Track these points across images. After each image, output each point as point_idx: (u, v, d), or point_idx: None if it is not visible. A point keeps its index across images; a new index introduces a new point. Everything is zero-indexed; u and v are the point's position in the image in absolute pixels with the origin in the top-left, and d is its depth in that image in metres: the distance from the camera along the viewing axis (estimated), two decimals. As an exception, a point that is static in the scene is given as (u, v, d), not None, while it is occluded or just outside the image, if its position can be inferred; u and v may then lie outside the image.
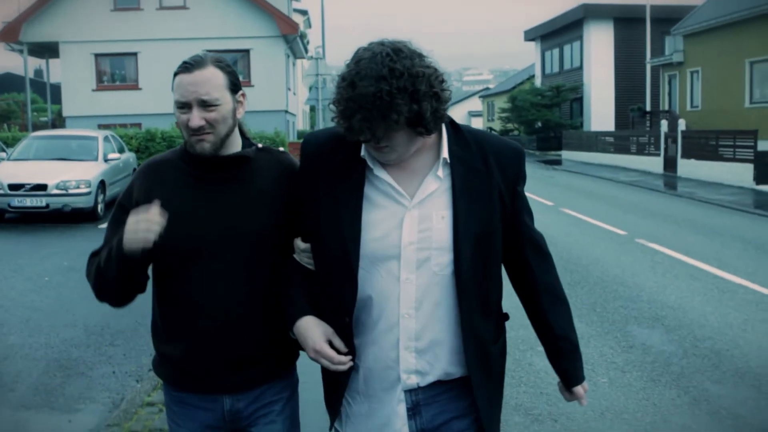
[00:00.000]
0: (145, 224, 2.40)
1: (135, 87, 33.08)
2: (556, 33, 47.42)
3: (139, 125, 27.20)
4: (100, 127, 26.42)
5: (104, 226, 11.55)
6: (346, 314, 2.34)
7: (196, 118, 2.44)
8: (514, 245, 2.47)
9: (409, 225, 2.30)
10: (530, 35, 52.45)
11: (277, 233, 2.57)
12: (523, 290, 2.56)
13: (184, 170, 2.60)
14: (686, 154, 26.49)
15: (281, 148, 2.79)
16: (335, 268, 2.35)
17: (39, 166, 15.93)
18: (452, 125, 2.39)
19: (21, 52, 33.80)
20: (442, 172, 2.33)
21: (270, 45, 33.12)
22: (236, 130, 2.63)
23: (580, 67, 44.40)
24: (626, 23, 41.28)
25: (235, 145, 2.62)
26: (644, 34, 36.58)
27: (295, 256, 2.54)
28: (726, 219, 16.21)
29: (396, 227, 2.31)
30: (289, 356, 2.71)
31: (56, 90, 39.14)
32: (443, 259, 2.31)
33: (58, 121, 35.62)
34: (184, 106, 2.47)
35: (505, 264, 2.54)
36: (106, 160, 17.01)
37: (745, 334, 7.48)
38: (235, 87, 2.56)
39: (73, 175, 15.48)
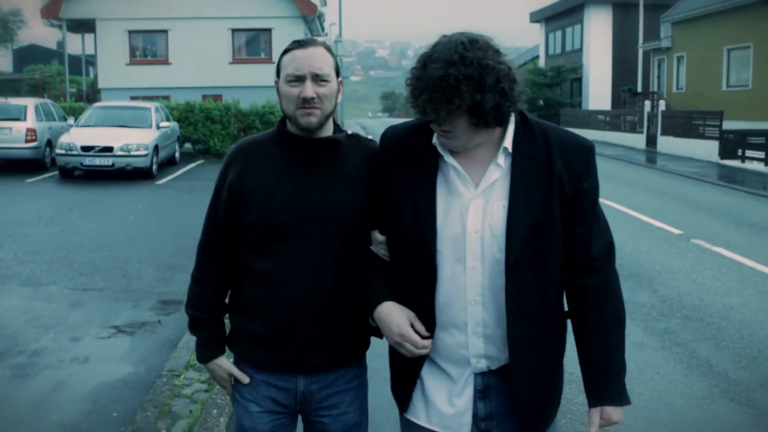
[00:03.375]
0: (227, 388, 2.81)
1: (165, 62, 35.19)
2: (559, 16, 49.85)
3: (168, 97, 29.20)
4: (133, 98, 28.92)
5: (161, 182, 15.06)
6: (426, 296, 2.36)
7: (310, 89, 2.52)
8: (572, 240, 2.40)
9: (473, 213, 2.32)
10: (535, 17, 54.82)
11: (362, 218, 2.60)
12: (573, 287, 2.47)
13: (275, 152, 2.65)
14: (665, 132, 29.41)
15: (369, 136, 2.87)
16: (413, 254, 2.39)
17: (104, 131, 18.93)
18: (522, 118, 2.39)
19: (60, 27, 36.45)
20: (503, 161, 2.34)
21: (290, 24, 35.00)
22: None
23: (581, 49, 46.90)
24: (624, 8, 43.47)
25: (329, 129, 2.66)
26: (639, 20, 39.15)
27: (372, 247, 2.58)
28: (690, 187, 19.12)
29: (462, 215, 2.33)
30: (363, 344, 2.75)
31: (77, 62, 41.93)
32: (502, 246, 2.31)
33: (91, 93, 38.28)
34: (297, 79, 2.55)
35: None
36: (158, 128, 20.09)
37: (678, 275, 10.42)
38: (337, 71, 2.64)
39: (134, 140, 18.54)
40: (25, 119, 19.67)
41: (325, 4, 59.73)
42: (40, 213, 13.60)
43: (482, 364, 2.40)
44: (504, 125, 2.34)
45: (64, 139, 18.56)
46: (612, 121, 35.90)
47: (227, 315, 2.82)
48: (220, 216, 2.69)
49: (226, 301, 2.82)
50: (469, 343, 2.38)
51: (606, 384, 2.46)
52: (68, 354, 6.44)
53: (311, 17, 36.45)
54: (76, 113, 23.16)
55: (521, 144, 2.35)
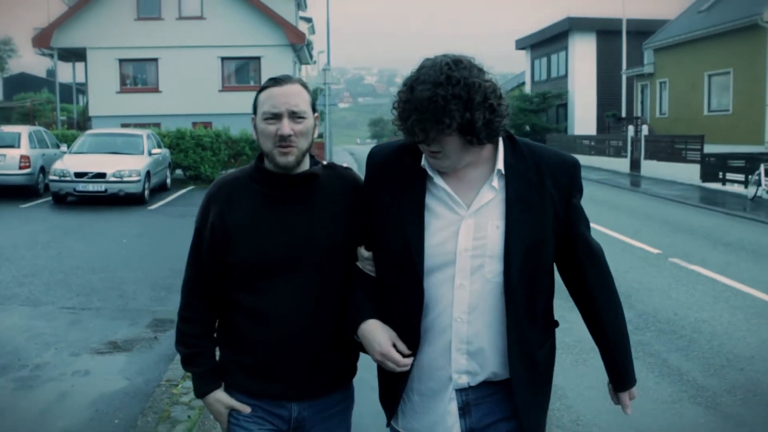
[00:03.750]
0: (222, 423, 2.79)
1: (155, 90, 35.63)
2: (545, 43, 50.60)
3: (158, 125, 29.73)
4: (123, 125, 29.15)
5: (153, 207, 15.52)
6: (413, 317, 2.41)
7: (287, 126, 2.56)
8: (569, 253, 2.52)
9: (464, 233, 2.37)
10: (521, 44, 55.58)
11: (344, 247, 2.65)
12: (578, 293, 2.60)
13: (254, 189, 2.68)
14: (648, 156, 29.96)
15: (345, 164, 2.92)
16: (400, 274, 2.42)
17: (96, 158, 19.30)
18: (509, 138, 2.45)
19: (51, 56, 36.87)
20: (497, 183, 2.39)
21: (279, 53, 35.69)
22: None
23: (566, 75, 47.62)
24: (608, 35, 44.21)
25: (305, 163, 2.70)
26: (623, 46, 39.86)
27: (358, 263, 2.62)
28: (671, 210, 19.56)
29: (453, 235, 2.37)
30: (350, 368, 2.81)
31: (67, 90, 42.37)
32: (495, 267, 2.37)
33: (81, 120, 38.65)
34: (274, 117, 2.59)
35: (561, 272, 2.60)
36: (150, 154, 20.45)
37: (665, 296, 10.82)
38: (314, 108, 2.69)
39: (126, 166, 18.92)
40: (19, 146, 20.01)
41: (313, 32, 60.49)
42: (36, 237, 13.91)
43: (463, 380, 2.45)
44: (494, 142, 2.40)
45: (58, 165, 18.92)
46: (597, 146, 36.50)
47: (217, 348, 2.86)
48: (203, 255, 2.72)
49: (215, 335, 2.85)
50: (451, 360, 2.42)
51: (627, 369, 2.64)
52: (69, 368, 6.74)
53: (300, 45, 37.00)
54: (68, 140, 23.52)
55: (513, 165, 2.40)
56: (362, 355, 2.75)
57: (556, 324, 2.63)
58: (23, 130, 20.92)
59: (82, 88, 41.59)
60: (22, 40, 56.22)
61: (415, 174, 2.44)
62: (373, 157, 2.59)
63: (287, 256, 2.62)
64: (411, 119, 2.24)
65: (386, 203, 2.46)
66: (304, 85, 2.68)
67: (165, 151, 23.04)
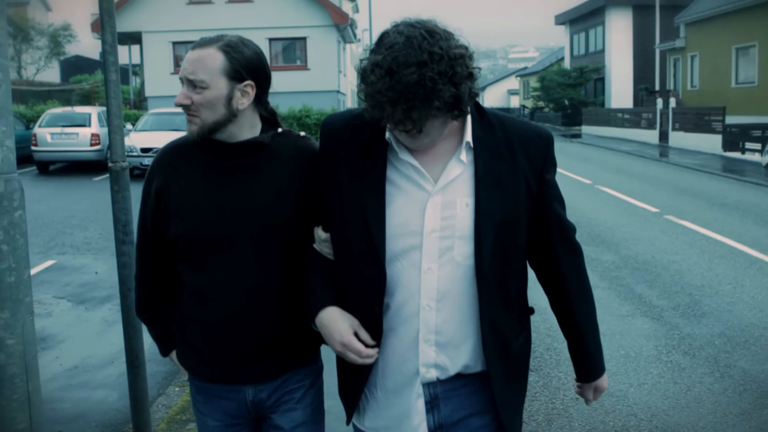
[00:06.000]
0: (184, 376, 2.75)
1: None
2: (582, 18, 51.74)
3: None
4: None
5: None
6: (375, 303, 2.20)
7: (182, 95, 2.37)
8: (542, 234, 2.31)
9: (431, 212, 2.16)
10: (560, 19, 56.71)
11: (293, 223, 2.46)
12: (548, 279, 2.42)
13: (199, 157, 2.48)
14: (676, 128, 31.33)
15: (302, 133, 2.63)
16: (360, 256, 2.20)
17: (159, 135, 21.27)
18: (477, 108, 2.22)
19: (109, 40, 39.01)
20: (465, 157, 2.18)
21: (324, 33, 37.33)
22: (249, 119, 2.48)
23: (603, 50, 48.75)
24: (643, 10, 45.16)
25: (250, 132, 2.49)
26: (656, 21, 40.96)
27: (315, 245, 2.41)
28: (686, 177, 21.09)
29: (418, 214, 2.16)
30: (310, 345, 2.59)
31: (125, 72, 44.48)
32: (465, 248, 2.17)
33: (137, 101, 40.82)
34: (181, 82, 2.40)
35: (530, 253, 2.36)
36: (207, 130, 22.48)
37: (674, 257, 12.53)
38: (237, 74, 2.39)
39: None
40: (89, 125, 22.27)
41: (357, 11, 61.90)
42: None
43: (431, 374, 2.25)
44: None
45: (125, 142, 20.98)
46: (631, 118, 37.81)
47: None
48: (147, 223, 2.58)
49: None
50: (419, 352, 2.22)
51: (598, 360, 2.49)
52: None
53: (343, 25, 38.59)
54: (130, 119, 25.67)
55: (482, 138, 2.19)
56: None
57: (531, 311, 2.43)
58: (93, 111, 23.16)
59: (136, 70, 43.61)
60: (80, 26, 58.77)
61: (375, 146, 2.20)
62: (327, 128, 2.33)
63: (229, 231, 2.44)
64: (398, 108, 1.96)
65: (343, 179, 2.23)
66: (225, 51, 2.37)
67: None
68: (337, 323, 2.23)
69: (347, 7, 49.39)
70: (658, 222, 13.27)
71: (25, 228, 2.95)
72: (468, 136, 2.18)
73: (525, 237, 2.29)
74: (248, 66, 2.41)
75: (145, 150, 20.69)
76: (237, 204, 2.45)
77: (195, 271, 2.52)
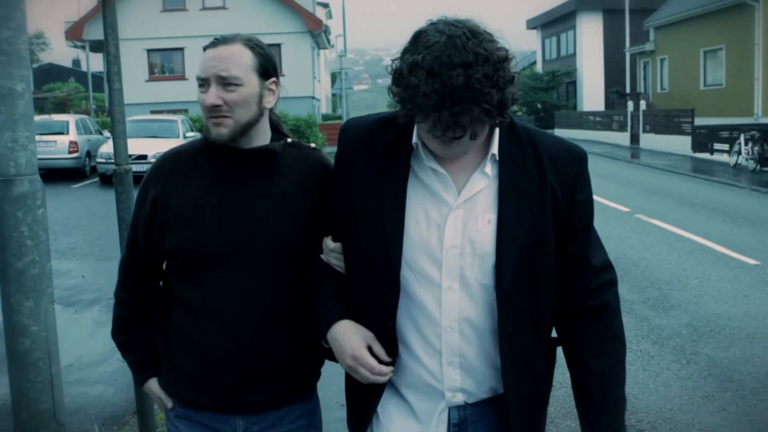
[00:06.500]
0: (162, 406, 2.49)
1: (182, 78, 37.50)
2: (554, 22, 52.36)
3: (186, 111, 31.57)
4: (153, 112, 31.34)
5: None
6: (388, 318, 2.06)
7: (213, 95, 2.19)
8: (566, 262, 2.11)
9: (452, 226, 2.02)
10: (532, 24, 57.35)
11: (301, 238, 2.31)
12: (570, 312, 2.16)
13: (203, 165, 2.32)
14: (647, 130, 31.95)
15: (312, 144, 2.48)
16: (374, 267, 2.07)
17: (138, 142, 21.30)
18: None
19: (83, 48, 39.08)
20: (490, 170, 2.04)
21: (298, 39, 37.81)
22: (264, 121, 2.35)
23: (574, 54, 49.38)
24: (614, 14, 45.70)
25: (263, 138, 2.35)
26: (626, 25, 41.65)
27: (322, 256, 2.27)
28: (657, 177, 21.57)
29: (438, 227, 2.03)
30: (311, 376, 2.45)
31: (98, 80, 44.57)
32: (487, 268, 2.03)
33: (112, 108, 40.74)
34: (203, 83, 2.22)
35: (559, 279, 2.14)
36: (185, 137, 22.68)
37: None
38: (265, 71, 2.28)
39: (164, 148, 20.10)
40: (67, 133, 22.42)
41: (330, 16, 62.33)
42: (93, 210, 16.22)
43: (458, 399, 2.11)
44: None
45: (104, 149, 21.22)
46: (603, 121, 38.41)
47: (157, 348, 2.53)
48: (139, 236, 2.40)
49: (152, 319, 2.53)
50: (443, 375, 2.08)
51: (605, 421, 2.13)
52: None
53: (317, 32, 38.95)
54: (106, 127, 25.82)
55: (508, 151, 2.05)
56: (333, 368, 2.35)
57: (557, 341, 2.23)
58: (71, 119, 23.36)
59: (105, 77, 43.52)
60: (53, 34, 58.68)
61: (399, 151, 2.07)
62: (347, 133, 2.20)
63: (232, 244, 2.28)
64: (444, 111, 1.80)
65: (361, 185, 2.10)
66: (251, 46, 2.27)
67: (197, 135, 25.28)
68: (349, 336, 2.09)
69: (320, 13, 49.73)
70: (628, 221, 13.67)
71: (46, 224, 3.23)
72: (494, 148, 2.04)
73: (553, 259, 2.10)
74: (272, 63, 2.33)
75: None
76: (245, 215, 2.30)
77: (192, 288, 2.33)
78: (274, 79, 2.31)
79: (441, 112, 1.80)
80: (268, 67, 2.29)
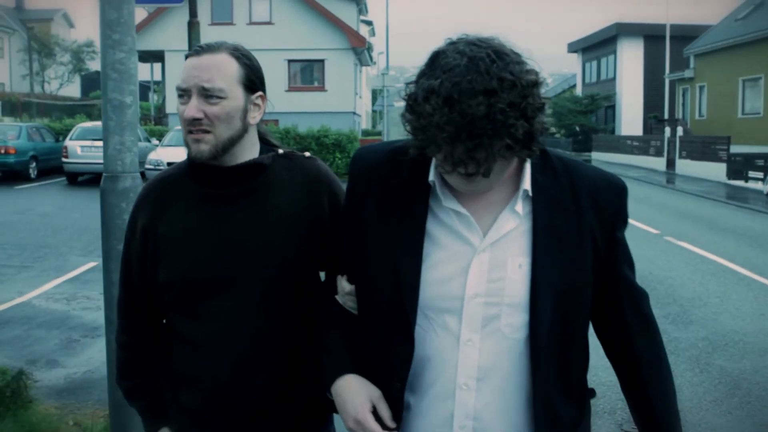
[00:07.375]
0: None
1: None
2: (595, 47, 52.83)
3: None
4: (196, 122, 32.49)
5: None
6: (397, 378, 1.84)
7: (193, 108, 2.01)
8: (610, 303, 1.94)
9: (476, 271, 1.78)
10: (573, 47, 57.83)
11: (300, 255, 2.14)
12: (618, 359, 2.01)
13: (188, 188, 2.16)
14: (683, 156, 32.27)
15: (307, 153, 2.30)
16: (386, 318, 1.85)
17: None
18: (540, 150, 1.73)
19: (133, 58, 40.19)
20: (521, 208, 1.80)
21: (341, 56, 38.41)
22: (250, 137, 2.16)
23: (614, 78, 49.77)
24: (655, 40, 46.12)
25: (250, 153, 2.17)
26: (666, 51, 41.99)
27: (338, 297, 2.07)
28: (689, 202, 21.94)
29: (460, 273, 1.79)
30: (324, 403, 2.09)
31: (144, 89, 45.67)
32: (516, 319, 1.79)
33: (158, 117, 41.87)
34: (184, 93, 2.04)
35: (596, 324, 1.99)
36: (229, 147, 23.60)
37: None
38: (251, 84, 2.11)
39: None
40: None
41: (373, 34, 63.07)
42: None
43: None
44: None
45: (153, 156, 22.16)
46: (640, 145, 38.74)
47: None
48: (133, 272, 2.25)
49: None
50: None
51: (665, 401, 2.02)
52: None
53: (360, 49, 39.65)
54: (154, 135, 26.79)
55: (543, 185, 1.81)
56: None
57: (592, 394, 2.06)
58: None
59: (154, 87, 44.79)
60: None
61: (415, 189, 1.85)
62: (359, 163, 1.99)
63: (228, 270, 2.12)
64: (459, 146, 1.57)
65: (375, 228, 1.88)
66: (237, 56, 2.09)
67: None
68: (353, 395, 1.88)
69: (364, 31, 50.48)
70: (658, 242, 14.12)
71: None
72: (526, 183, 1.79)
73: (589, 306, 1.91)
74: (259, 75, 2.16)
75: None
76: (236, 238, 2.12)
77: (191, 321, 2.17)
78: (260, 93, 2.16)
79: (455, 147, 1.58)
80: (254, 79, 2.14)
